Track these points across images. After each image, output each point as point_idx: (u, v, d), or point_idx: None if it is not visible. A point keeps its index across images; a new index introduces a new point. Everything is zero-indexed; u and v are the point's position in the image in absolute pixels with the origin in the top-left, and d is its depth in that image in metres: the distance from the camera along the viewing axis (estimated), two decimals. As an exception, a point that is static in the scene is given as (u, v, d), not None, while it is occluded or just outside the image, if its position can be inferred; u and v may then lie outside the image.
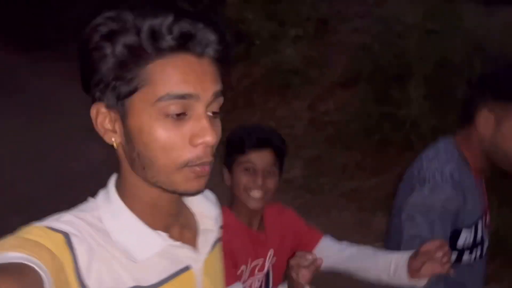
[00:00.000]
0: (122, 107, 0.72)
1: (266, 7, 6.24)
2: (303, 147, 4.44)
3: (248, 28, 5.72)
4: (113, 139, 0.75)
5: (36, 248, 0.65)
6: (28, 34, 6.97)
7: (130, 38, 0.68)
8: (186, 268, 0.81)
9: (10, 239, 0.66)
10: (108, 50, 0.69)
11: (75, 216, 0.74)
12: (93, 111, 0.74)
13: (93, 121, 0.74)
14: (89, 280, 0.69)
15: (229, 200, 1.43)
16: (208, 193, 0.94)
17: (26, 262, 0.61)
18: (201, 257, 0.83)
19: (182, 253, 0.80)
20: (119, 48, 0.69)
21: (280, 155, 1.41)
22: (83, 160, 4.46)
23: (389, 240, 1.56)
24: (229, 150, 1.43)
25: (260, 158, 1.37)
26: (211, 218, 0.87)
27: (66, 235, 0.69)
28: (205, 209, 0.88)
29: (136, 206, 0.77)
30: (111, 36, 0.69)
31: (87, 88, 0.74)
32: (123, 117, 0.72)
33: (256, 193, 1.37)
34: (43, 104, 5.52)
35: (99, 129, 0.75)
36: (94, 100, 0.73)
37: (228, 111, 5.78)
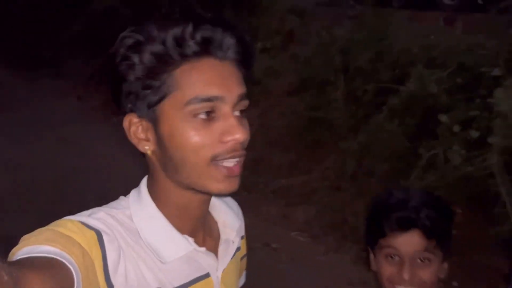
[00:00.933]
0: (154, 115, 0.76)
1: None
2: (248, 150, 4.95)
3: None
4: (146, 147, 0.78)
5: (69, 244, 0.68)
6: (26, 53, 7.75)
7: (156, 47, 0.73)
8: (206, 275, 0.83)
9: (45, 232, 0.70)
10: (136, 59, 0.74)
11: (107, 213, 0.78)
12: (125, 122, 0.78)
13: (126, 132, 0.79)
14: (115, 279, 0.73)
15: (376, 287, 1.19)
16: (232, 204, 0.96)
17: (58, 258, 0.64)
18: (221, 266, 0.86)
19: (204, 260, 0.83)
20: (147, 57, 0.74)
21: (434, 236, 1.09)
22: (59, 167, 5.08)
23: None
24: (368, 229, 1.19)
25: (405, 243, 1.08)
26: (233, 229, 0.89)
27: (98, 233, 0.73)
28: (228, 219, 0.90)
29: (166, 209, 0.81)
30: (137, 47, 0.74)
31: (117, 102, 0.79)
32: (155, 124, 0.76)
33: None
34: (35, 120, 6.20)
35: (133, 138, 0.79)
36: (124, 112, 0.78)
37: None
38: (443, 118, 2.87)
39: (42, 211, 3.87)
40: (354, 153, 3.89)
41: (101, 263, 0.71)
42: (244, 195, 4.67)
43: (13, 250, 0.67)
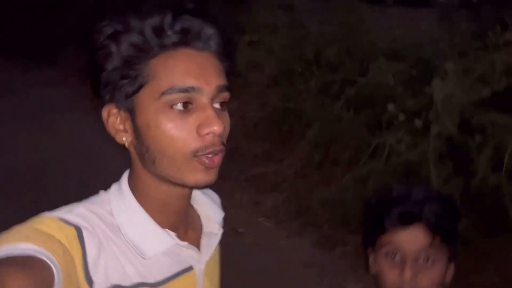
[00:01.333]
0: (131, 105, 0.76)
1: (224, 16, 7.01)
2: (227, 140, 5.16)
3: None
4: (124, 139, 0.78)
5: (49, 241, 0.67)
6: (21, 43, 8.00)
7: (134, 37, 0.73)
8: (189, 268, 0.84)
9: (23, 229, 0.69)
10: (113, 48, 0.74)
11: (87, 209, 0.77)
12: (104, 113, 0.78)
13: (105, 122, 0.78)
14: (95, 276, 0.72)
15: None
16: (213, 195, 0.96)
17: (37, 255, 0.64)
18: (203, 259, 0.86)
19: (187, 254, 0.84)
20: (124, 46, 0.73)
21: (440, 232, 1.00)
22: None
23: None
24: (367, 225, 1.11)
25: (407, 240, 1.00)
26: (216, 222, 0.90)
27: (78, 229, 0.73)
28: (210, 213, 0.90)
29: (147, 203, 0.80)
30: (116, 36, 0.74)
31: (96, 92, 0.78)
32: (132, 115, 0.76)
33: None
34: (25, 109, 6.44)
35: (110, 130, 0.79)
36: (104, 103, 0.78)
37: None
38: (390, 107, 3.05)
39: (22, 196, 4.09)
40: (320, 143, 4.06)
41: (81, 259, 0.71)
42: (219, 183, 4.87)
43: None
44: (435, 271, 1.00)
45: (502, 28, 2.88)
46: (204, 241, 0.87)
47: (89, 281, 0.71)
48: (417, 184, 1.25)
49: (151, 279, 0.79)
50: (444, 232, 1.00)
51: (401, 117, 2.96)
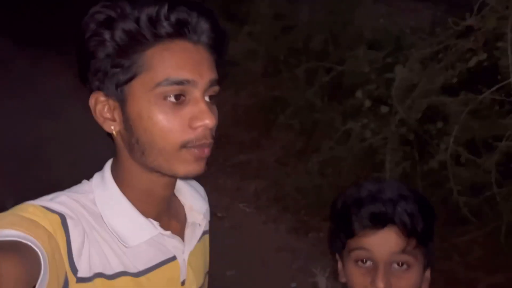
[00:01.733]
0: (121, 94, 0.75)
1: (226, 7, 7.08)
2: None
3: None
4: (112, 127, 0.78)
5: (34, 227, 0.67)
6: (28, 29, 8.18)
7: (129, 24, 0.72)
8: (172, 258, 0.85)
9: (6, 216, 0.69)
10: (107, 36, 0.73)
11: (69, 197, 0.77)
12: (91, 101, 0.77)
13: (92, 110, 0.78)
14: (79, 263, 0.73)
15: None
16: (198, 187, 0.97)
17: (23, 241, 0.63)
18: (187, 249, 0.87)
19: (170, 243, 0.84)
20: (119, 34, 0.72)
21: (415, 234, 0.92)
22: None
23: None
24: (334, 228, 1.01)
25: (379, 244, 0.91)
26: (200, 212, 0.90)
27: (62, 217, 0.72)
28: (194, 203, 0.91)
29: (130, 192, 0.80)
30: (109, 23, 0.73)
31: (84, 79, 0.78)
32: (122, 104, 0.76)
33: None
34: (26, 94, 6.63)
35: (98, 117, 0.78)
36: (91, 90, 0.77)
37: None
38: (358, 94, 3.07)
39: (12, 174, 4.24)
40: (300, 131, 4.11)
41: (65, 247, 0.71)
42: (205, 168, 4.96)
43: None
44: (410, 277, 0.91)
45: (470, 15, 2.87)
46: (188, 231, 0.88)
47: (74, 269, 0.72)
48: (390, 181, 1.10)
49: (133, 269, 0.79)
50: (419, 234, 0.92)
51: (367, 103, 2.99)
